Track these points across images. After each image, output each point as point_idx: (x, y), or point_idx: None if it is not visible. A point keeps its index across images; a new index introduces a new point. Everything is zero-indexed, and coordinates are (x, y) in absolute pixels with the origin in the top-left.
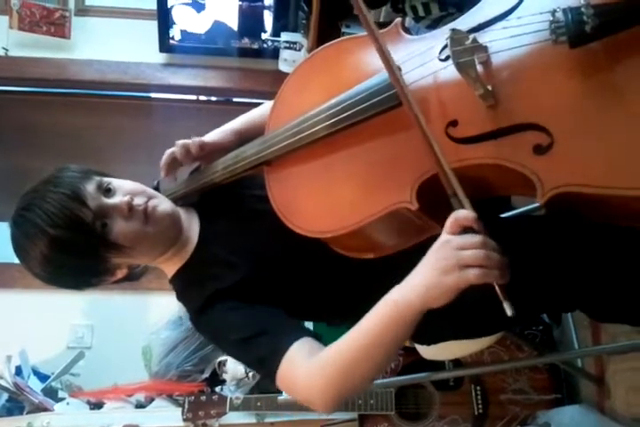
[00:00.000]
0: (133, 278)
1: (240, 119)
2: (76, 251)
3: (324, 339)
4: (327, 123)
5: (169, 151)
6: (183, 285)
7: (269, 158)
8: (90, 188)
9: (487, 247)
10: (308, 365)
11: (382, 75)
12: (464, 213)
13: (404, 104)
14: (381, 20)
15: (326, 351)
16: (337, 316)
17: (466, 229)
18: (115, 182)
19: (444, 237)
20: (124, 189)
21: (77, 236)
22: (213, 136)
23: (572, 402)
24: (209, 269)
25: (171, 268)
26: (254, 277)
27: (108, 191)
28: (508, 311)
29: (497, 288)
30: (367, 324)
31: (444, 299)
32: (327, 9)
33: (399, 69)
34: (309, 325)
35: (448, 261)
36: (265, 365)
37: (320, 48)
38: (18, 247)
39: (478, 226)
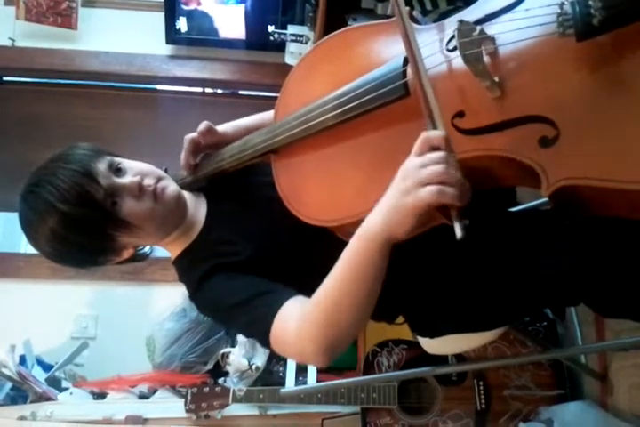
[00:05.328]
0: (138, 260)
1: (250, 117)
2: (85, 228)
3: None
4: (334, 113)
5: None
6: (186, 264)
7: (276, 147)
8: (101, 166)
9: (448, 163)
10: (297, 316)
11: (388, 65)
12: (434, 133)
13: (417, 84)
14: (388, 12)
15: (311, 300)
16: None
17: (434, 150)
18: (125, 163)
19: (410, 157)
20: (135, 170)
21: (88, 213)
22: (222, 129)
23: (574, 398)
24: (213, 248)
25: (176, 249)
26: (257, 260)
27: (118, 171)
28: (458, 233)
29: (451, 209)
30: (340, 263)
31: (407, 225)
32: (334, 2)
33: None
34: None
35: (408, 180)
36: (259, 325)
37: (326, 37)
38: (26, 223)
39: (447, 146)
